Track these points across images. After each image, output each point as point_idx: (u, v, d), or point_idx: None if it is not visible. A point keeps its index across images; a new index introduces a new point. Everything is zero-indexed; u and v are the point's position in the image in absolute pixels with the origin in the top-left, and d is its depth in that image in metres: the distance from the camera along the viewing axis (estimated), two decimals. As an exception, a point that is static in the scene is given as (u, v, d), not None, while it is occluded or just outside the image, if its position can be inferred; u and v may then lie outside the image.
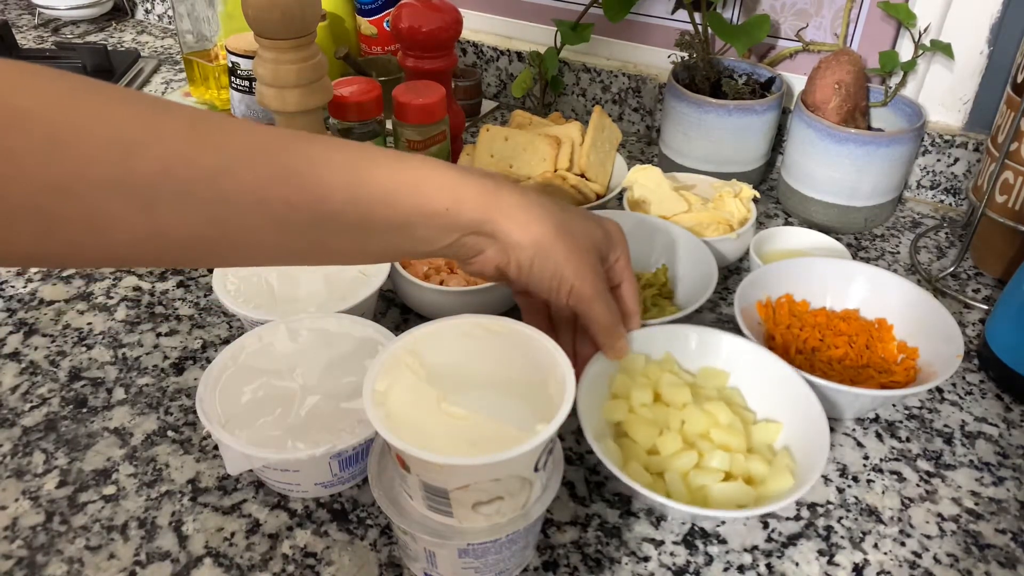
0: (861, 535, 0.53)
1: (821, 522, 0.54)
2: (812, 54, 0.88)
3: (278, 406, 0.53)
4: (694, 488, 0.52)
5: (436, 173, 0.45)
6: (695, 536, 0.53)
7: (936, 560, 0.52)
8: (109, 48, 1.13)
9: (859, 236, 0.83)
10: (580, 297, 0.49)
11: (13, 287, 0.73)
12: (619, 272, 0.54)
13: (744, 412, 0.57)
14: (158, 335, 0.68)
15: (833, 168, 0.79)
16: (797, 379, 0.56)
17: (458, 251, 0.47)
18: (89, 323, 0.69)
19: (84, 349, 0.66)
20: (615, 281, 0.54)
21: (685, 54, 0.88)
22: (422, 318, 0.69)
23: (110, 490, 0.55)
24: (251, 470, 0.51)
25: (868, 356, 0.63)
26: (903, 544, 0.53)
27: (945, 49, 0.80)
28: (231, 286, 0.63)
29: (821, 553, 0.52)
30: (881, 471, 0.58)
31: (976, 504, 0.55)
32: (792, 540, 0.53)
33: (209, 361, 0.64)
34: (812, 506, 0.55)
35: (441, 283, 0.66)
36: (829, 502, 0.55)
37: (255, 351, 0.56)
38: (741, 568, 0.51)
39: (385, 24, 1.04)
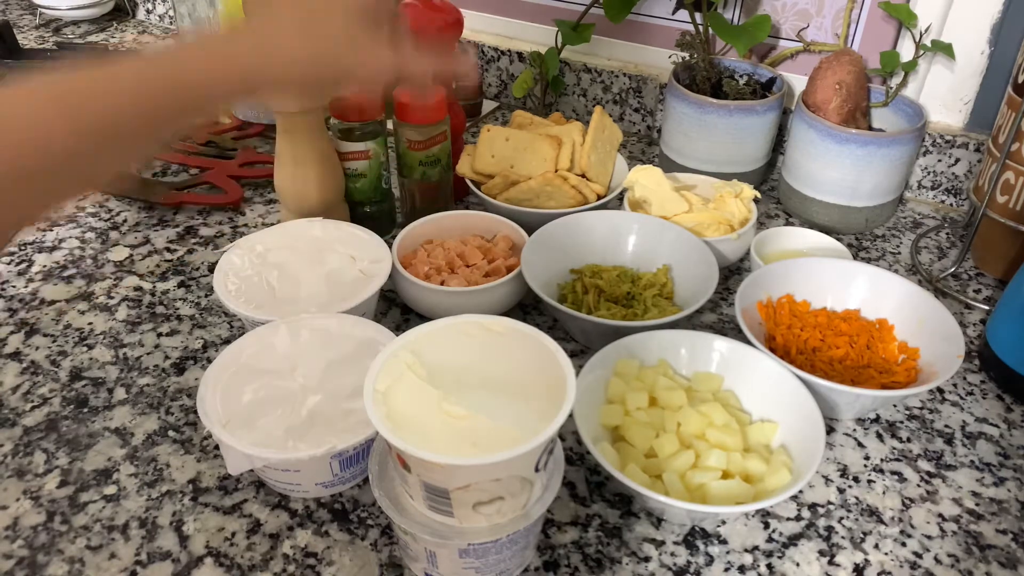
0: (862, 535, 0.53)
1: (822, 522, 0.54)
2: (813, 54, 0.88)
3: (279, 406, 0.53)
4: (692, 487, 0.52)
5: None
6: (696, 536, 0.53)
7: (937, 560, 0.52)
8: (110, 48, 1.13)
9: (860, 236, 0.83)
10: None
11: (14, 287, 0.73)
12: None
13: (739, 414, 0.57)
14: (159, 335, 0.68)
15: (834, 168, 0.79)
16: (790, 377, 0.56)
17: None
18: (90, 323, 0.69)
19: (85, 349, 0.67)
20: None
21: (686, 54, 0.88)
22: (423, 318, 0.69)
23: (111, 490, 0.55)
24: (252, 470, 0.51)
25: (869, 356, 0.63)
26: (904, 544, 0.53)
27: (946, 49, 0.80)
28: (232, 286, 0.63)
29: (822, 553, 0.52)
30: (882, 471, 0.58)
31: (977, 504, 0.55)
32: (793, 540, 0.53)
33: (210, 361, 0.64)
34: (813, 506, 0.55)
35: (442, 283, 0.66)
36: (830, 502, 0.55)
37: (256, 351, 0.56)
38: (742, 568, 0.51)
39: (386, 24, 1.04)
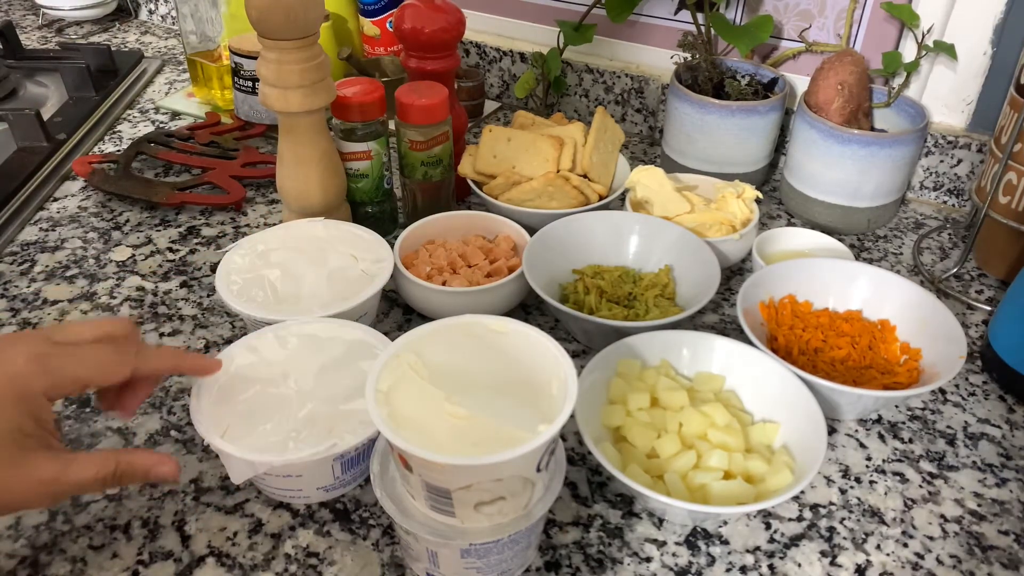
0: (864, 536, 0.53)
1: (823, 523, 0.54)
2: (815, 55, 0.88)
3: (275, 413, 0.52)
4: (694, 488, 0.52)
5: None
6: (697, 537, 0.53)
7: (939, 561, 0.52)
8: (113, 49, 1.13)
9: (862, 237, 0.83)
10: None
11: (17, 287, 0.73)
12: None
13: (741, 414, 0.57)
14: (161, 335, 0.68)
15: (836, 169, 0.79)
16: (792, 377, 0.56)
17: None
18: (92, 323, 0.69)
19: (87, 349, 0.67)
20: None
21: (688, 55, 0.88)
22: (425, 318, 0.69)
23: (113, 489, 0.55)
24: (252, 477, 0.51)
25: (871, 357, 0.63)
26: (906, 545, 0.53)
27: (948, 50, 0.80)
28: (234, 286, 0.63)
29: (823, 554, 0.52)
30: (884, 472, 0.58)
31: (979, 505, 0.55)
32: (794, 541, 0.53)
33: (212, 361, 0.64)
34: (814, 507, 0.55)
35: (444, 283, 0.66)
36: (831, 503, 0.55)
37: (245, 361, 0.55)
38: (743, 569, 0.51)
39: (388, 25, 1.05)
